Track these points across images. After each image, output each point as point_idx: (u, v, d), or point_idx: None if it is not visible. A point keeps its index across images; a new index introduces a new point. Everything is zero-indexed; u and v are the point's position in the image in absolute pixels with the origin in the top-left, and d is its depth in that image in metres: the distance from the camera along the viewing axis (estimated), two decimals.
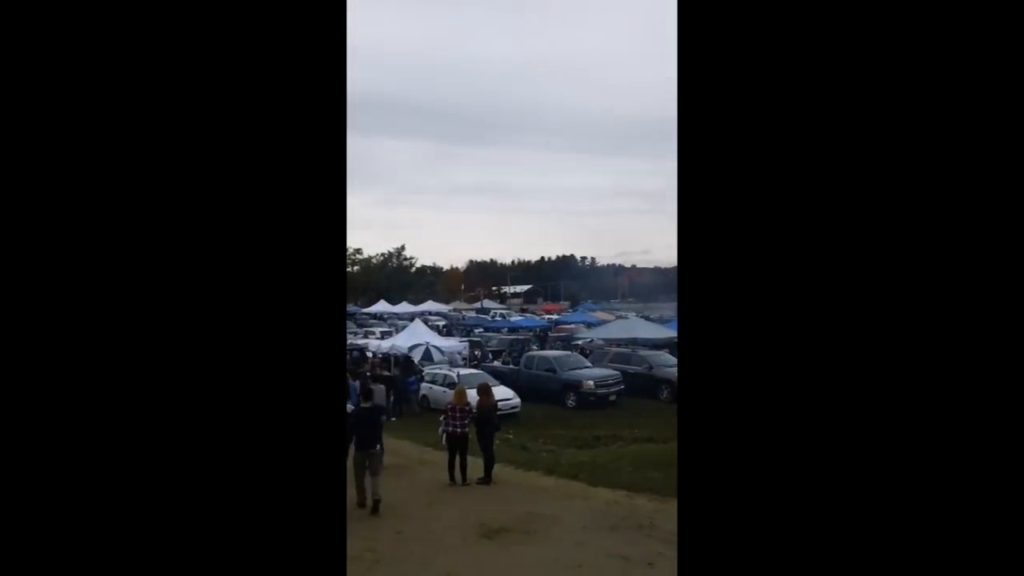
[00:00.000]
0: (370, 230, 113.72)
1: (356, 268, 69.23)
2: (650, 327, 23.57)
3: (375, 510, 7.35)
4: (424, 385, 15.88)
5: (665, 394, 15.44)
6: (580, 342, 23.11)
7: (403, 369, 16.51)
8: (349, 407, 8.13)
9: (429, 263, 74.76)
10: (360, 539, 6.69)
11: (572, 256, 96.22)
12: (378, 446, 7.66)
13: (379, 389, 10.59)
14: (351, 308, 50.09)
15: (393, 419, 12.59)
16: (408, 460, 10.43)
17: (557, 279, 71.43)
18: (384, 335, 25.85)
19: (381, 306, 43.75)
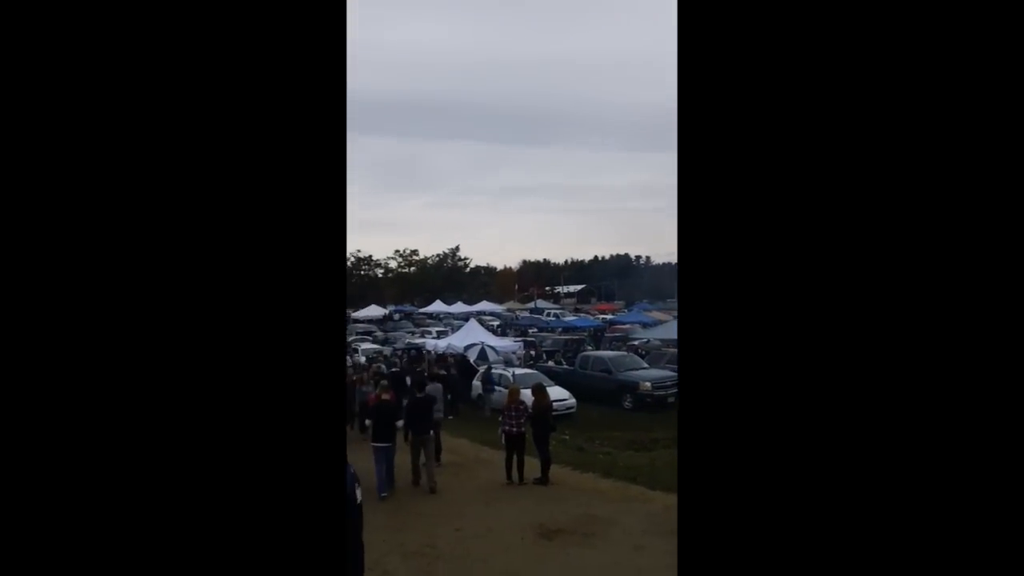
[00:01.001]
0: (426, 232, 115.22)
1: (412, 269, 70.30)
2: None
3: (417, 481, 8.58)
4: (477, 384, 16.00)
5: None
6: (636, 342, 22.85)
7: (460, 369, 16.69)
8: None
9: (483, 263, 75.30)
10: (421, 535, 6.80)
11: (626, 255, 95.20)
12: (431, 432, 8.79)
13: (435, 388, 10.73)
14: (408, 308, 50.88)
15: (450, 417, 12.73)
16: (465, 458, 10.53)
17: (611, 278, 70.81)
18: (440, 334, 26.18)
19: (437, 306, 44.30)
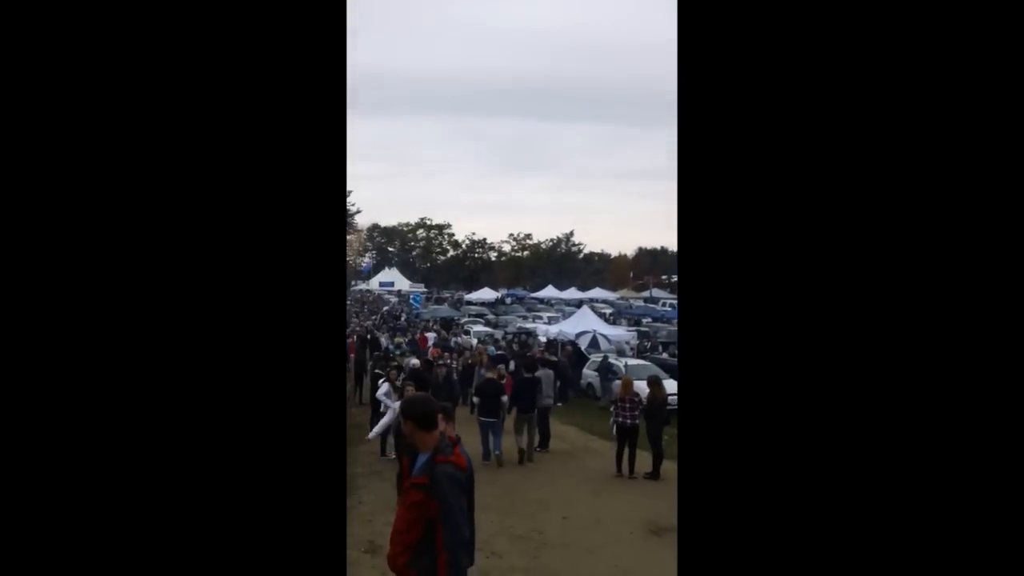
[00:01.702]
0: (540, 216, 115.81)
1: (526, 253, 70.96)
2: None
3: (523, 460, 9.26)
4: (588, 373, 15.87)
5: None
6: None
7: (571, 356, 16.63)
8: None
9: (597, 249, 74.66)
10: (528, 520, 6.85)
11: None
12: (535, 411, 9.52)
13: (547, 374, 10.74)
14: (520, 292, 51.38)
15: (559, 404, 12.73)
16: (574, 447, 10.49)
17: None
18: (551, 320, 26.24)
19: (548, 291, 44.44)
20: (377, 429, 8.11)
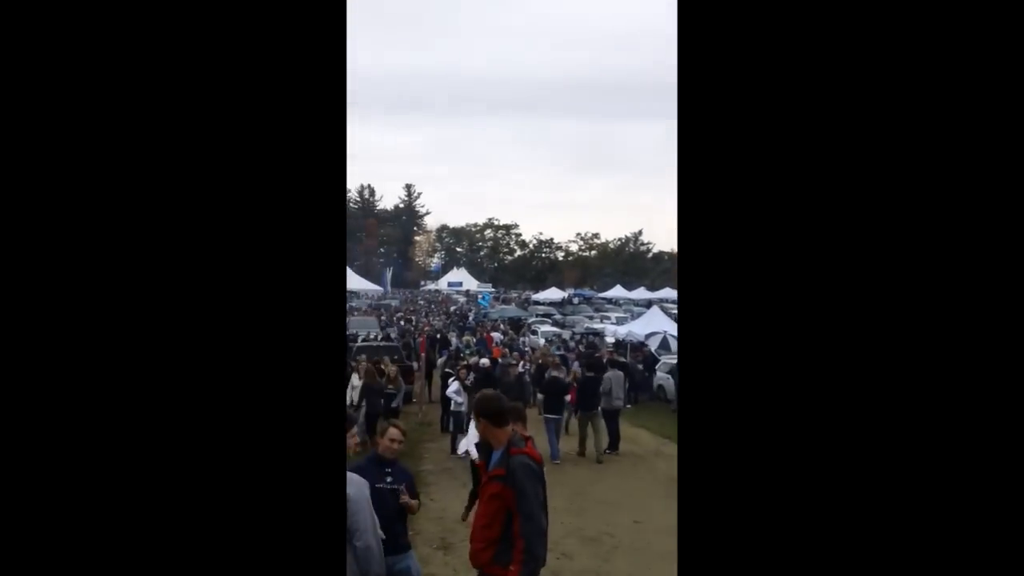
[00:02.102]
0: (608, 214, 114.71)
1: (593, 253, 70.47)
2: None
3: (583, 454, 9.57)
4: (660, 375, 15.59)
5: None
6: None
7: (642, 357, 16.38)
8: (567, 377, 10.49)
9: (666, 248, 73.31)
10: (599, 521, 6.78)
11: None
12: (599, 409, 9.73)
13: (616, 375, 10.61)
14: (587, 292, 51.04)
15: (629, 407, 12.55)
16: (645, 450, 10.33)
17: None
18: (619, 320, 25.93)
19: (616, 291, 43.98)
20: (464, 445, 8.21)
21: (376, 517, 2.83)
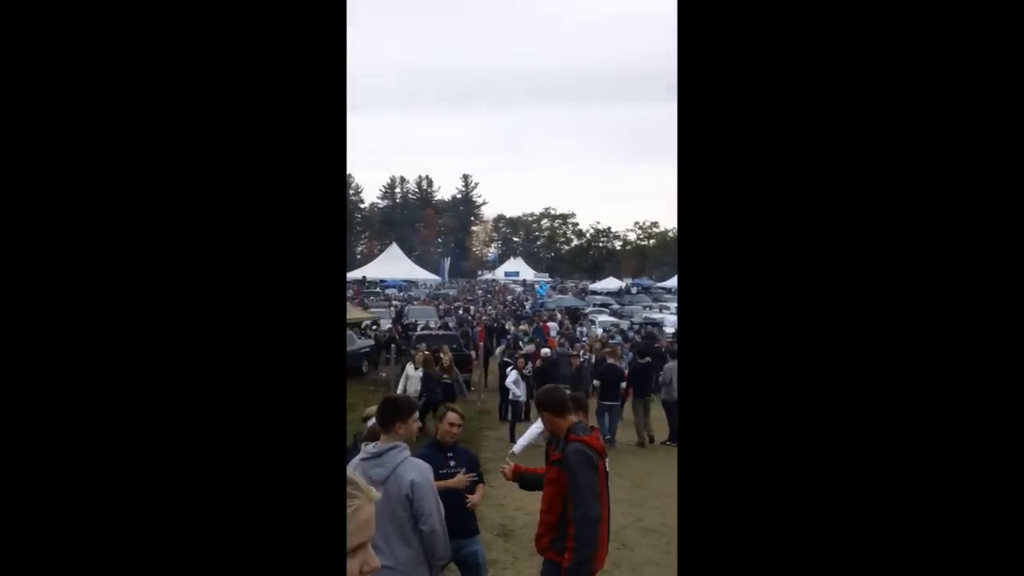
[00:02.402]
0: (666, 203, 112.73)
1: (651, 242, 69.49)
2: None
3: (642, 444, 9.91)
4: None
5: None
6: None
7: None
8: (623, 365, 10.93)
9: None
10: (660, 513, 6.73)
11: None
12: (652, 396, 10.24)
13: (675, 366, 10.47)
14: (646, 281, 50.41)
15: None
16: None
17: None
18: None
19: (675, 281, 43.15)
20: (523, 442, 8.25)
21: (441, 502, 2.88)
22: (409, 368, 10.13)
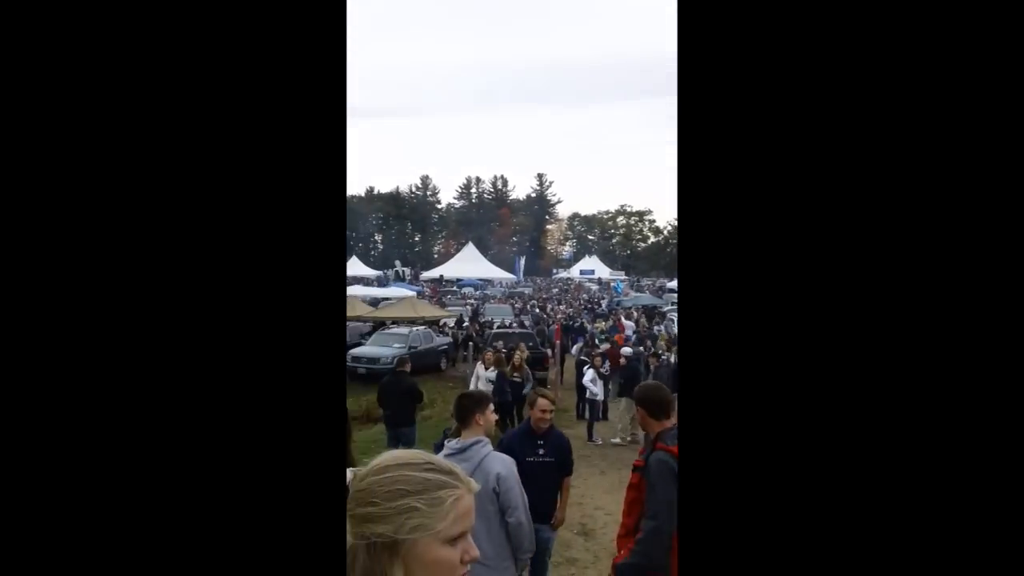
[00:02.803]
0: None
1: None
2: None
3: None
4: None
5: None
6: None
7: None
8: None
9: None
10: None
11: None
12: None
13: None
14: None
15: None
16: None
17: None
18: None
19: None
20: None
21: (525, 494, 2.89)
22: (479, 368, 10.03)
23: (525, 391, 10.32)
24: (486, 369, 9.74)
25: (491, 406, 3.10)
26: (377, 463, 1.10)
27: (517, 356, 10.51)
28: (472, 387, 9.85)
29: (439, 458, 1.11)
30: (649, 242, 73.95)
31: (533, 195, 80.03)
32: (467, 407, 3.03)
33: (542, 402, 3.83)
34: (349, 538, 1.01)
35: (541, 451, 3.71)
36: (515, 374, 10.07)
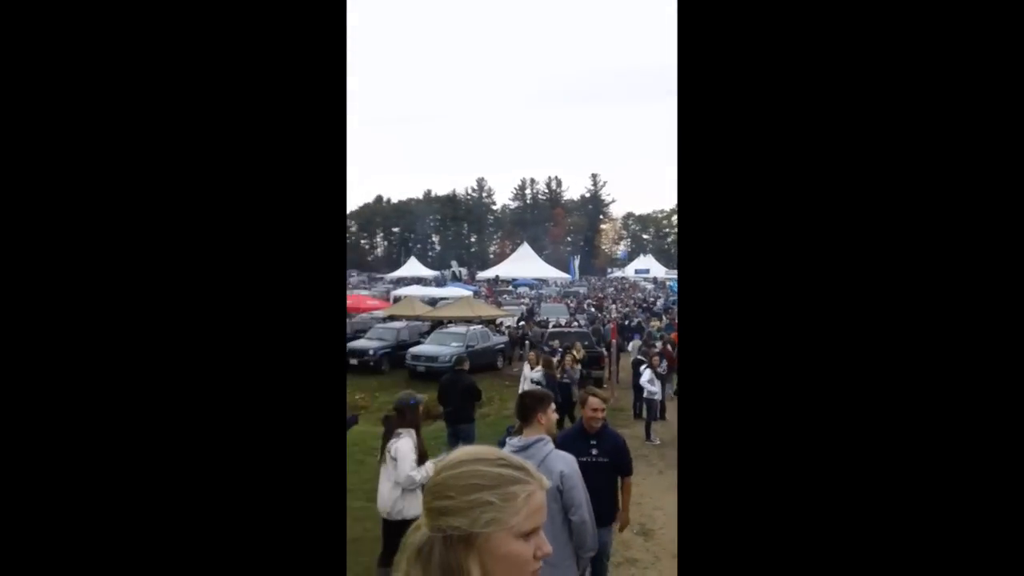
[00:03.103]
0: None
1: None
2: None
3: None
4: None
5: None
6: None
7: None
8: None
9: None
10: None
11: None
12: None
13: None
14: None
15: None
16: None
17: None
18: None
19: None
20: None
21: (588, 492, 2.91)
22: (525, 369, 9.90)
23: (573, 393, 9.78)
24: (531, 369, 9.60)
25: (553, 405, 3.13)
26: (452, 458, 1.15)
27: (569, 358, 10.24)
28: (521, 388, 9.84)
29: (511, 454, 1.15)
30: None
31: (587, 195, 79.61)
32: (529, 405, 3.05)
33: (593, 400, 3.81)
34: (425, 530, 1.07)
35: (594, 451, 3.68)
36: (563, 376, 9.75)
